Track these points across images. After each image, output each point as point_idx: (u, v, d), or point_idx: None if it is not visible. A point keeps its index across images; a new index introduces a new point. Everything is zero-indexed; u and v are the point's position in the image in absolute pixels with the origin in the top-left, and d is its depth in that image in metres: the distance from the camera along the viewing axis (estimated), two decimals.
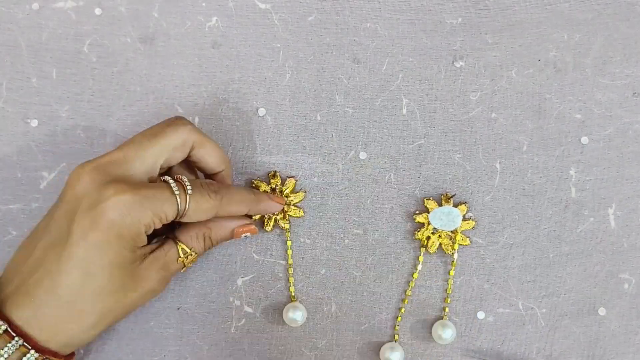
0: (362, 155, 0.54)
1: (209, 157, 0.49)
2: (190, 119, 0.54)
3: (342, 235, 0.53)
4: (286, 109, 0.54)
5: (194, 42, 0.54)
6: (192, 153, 0.48)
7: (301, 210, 0.53)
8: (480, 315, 0.52)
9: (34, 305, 0.43)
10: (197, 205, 0.46)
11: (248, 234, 0.51)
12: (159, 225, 0.45)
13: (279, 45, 0.55)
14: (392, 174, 0.53)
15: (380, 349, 0.52)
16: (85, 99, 0.54)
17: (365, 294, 0.52)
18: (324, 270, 0.53)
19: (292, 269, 0.53)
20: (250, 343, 0.52)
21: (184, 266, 0.48)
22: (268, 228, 0.52)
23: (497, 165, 0.54)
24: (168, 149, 0.46)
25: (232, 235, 0.50)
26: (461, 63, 0.54)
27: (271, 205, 0.51)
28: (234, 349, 0.52)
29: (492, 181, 0.53)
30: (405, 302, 0.52)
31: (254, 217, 0.52)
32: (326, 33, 0.55)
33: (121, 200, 0.43)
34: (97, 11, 0.55)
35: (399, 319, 0.52)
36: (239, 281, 0.53)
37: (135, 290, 0.45)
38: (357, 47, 0.54)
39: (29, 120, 0.54)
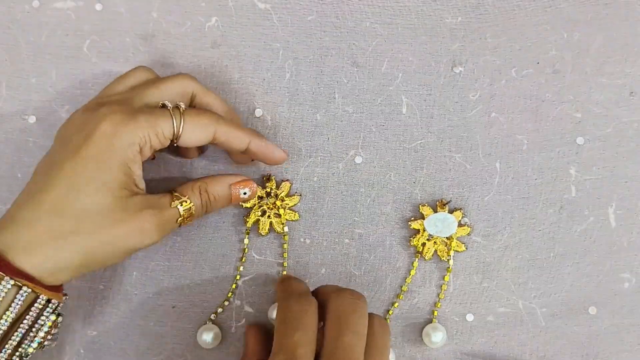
0: (358, 160, 0.53)
1: (213, 108, 0.49)
2: None
3: (338, 239, 0.53)
4: (284, 110, 0.54)
5: (194, 41, 0.55)
6: (194, 103, 0.49)
7: (296, 213, 0.53)
8: (471, 317, 0.52)
9: (16, 226, 0.41)
10: (192, 121, 0.45)
11: (247, 190, 0.50)
12: (157, 143, 0.44)
13: (278, 45, 0.55)
14: (391, 175, 0.53)
15: None
16: (85, 99, 0.54)
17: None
18: (324, 270, 0.53)
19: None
20: None
21: (180, 215, 0.46)
22: (263, 232, 0.52)
23: (497, 166, 0.54)
24: (169, 92, 0.46)
25: (231, 196, 0.49)
26: (460, 69, 0.54)
27: (274, 149, 0.50)
28: (234, 349, 0.52)
29: (492, 181, 0.53)
30: (395, 306, 0.52)
31: (246, 205, 0.52)
32: (325, 35, 0.55)
33: (115, 113, 0.43)
34: (97, 9, 0.55)
35: (387, 320, 0.52)
36: (240, 281, 0.52)
37: (124, 222, 0.43)
38: (356, 50, 0.54)
39: (26, 117, 0.54)
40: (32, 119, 0.54)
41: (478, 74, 0.54)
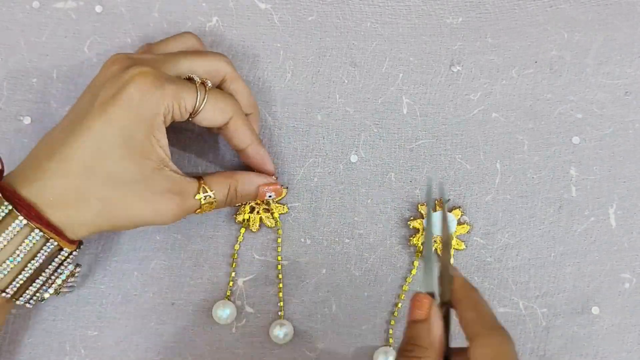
0: (353, 159, 0.53)
1: (238, 95, 0.50)
2: None
3: (338, 239, 0.53)
4: (284, 110, 0.54)
5: None
6: (223, 86, 0.49)
7: (285, 206, 0.53)
8: None
9: (44, 176, 0.43)
10: (214, 101, 0.46)
11: (273, 193, 0.51)
12: (177, 115, 0.45)
13: (278, 45, 0.55)
14: (392, 175, 0.53)
15: (373, 353, 0.52)
16: None
17: (361, 297, 0.52)
18: (324, 270, 0.53)
19: (282, 285, 0.53)
20: (251, 343, 0.52)
21: (200, 207, 0.47)
22: (254, 228, 0.52)
23: (498, 166, 0.54)
24: (201, 68, 0.48)
25: (257, 194, 0.50)
26: (459, 68, 0.54)
27: (266, 162, 0.51)
28: (235, 349, 0.52)
29: (492, 181, 0.53)
30: (399, 307, 0.52)
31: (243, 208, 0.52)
32: (326, 35, 0.55)
33: (144, 77, 0.44)
34: (98, 10, 0.55)
35: (392, 322, 0.52)
36: (240, 281, 0.52)
37: (145, 200, 0.44)
38: (356, 50, 0.55)
39: (21, 118, 0.53)
40: (27, 120, 0.54)
41: (478, 74, 0.54)
